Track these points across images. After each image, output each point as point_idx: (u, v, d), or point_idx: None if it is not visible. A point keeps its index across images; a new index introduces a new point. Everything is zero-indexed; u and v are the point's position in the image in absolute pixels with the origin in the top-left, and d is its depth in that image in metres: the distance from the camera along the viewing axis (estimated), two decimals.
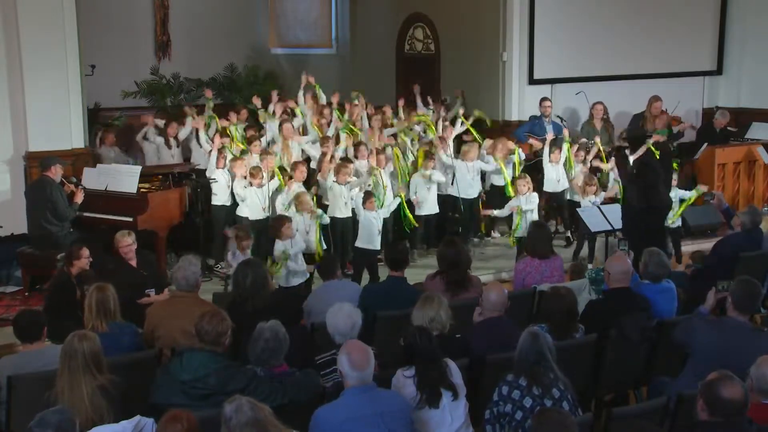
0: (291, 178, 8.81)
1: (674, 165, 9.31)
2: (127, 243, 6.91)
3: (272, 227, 7.81)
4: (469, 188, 9.63)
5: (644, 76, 12.03)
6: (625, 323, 5.35)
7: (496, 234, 10.39)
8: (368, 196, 8.44)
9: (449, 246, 6.40)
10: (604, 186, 9.64)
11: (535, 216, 8.88)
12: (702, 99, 12.92)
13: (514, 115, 11.64)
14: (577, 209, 8.90)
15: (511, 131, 11.09)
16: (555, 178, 9.91)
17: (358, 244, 8.44)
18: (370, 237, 8.37)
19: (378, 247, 8.38)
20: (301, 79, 10.88)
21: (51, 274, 7.41)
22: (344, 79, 14.63)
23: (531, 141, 10.59)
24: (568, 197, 10.00)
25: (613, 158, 9.92)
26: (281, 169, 9.04)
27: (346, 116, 10.29)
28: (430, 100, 11.30)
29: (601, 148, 10.11)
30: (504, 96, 11.72)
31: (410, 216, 9.15)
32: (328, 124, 10.19)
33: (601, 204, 8.94)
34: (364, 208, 8.37)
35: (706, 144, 10.92)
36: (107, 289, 5.31)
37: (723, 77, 12.93)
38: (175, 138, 10.20)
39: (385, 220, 8.96)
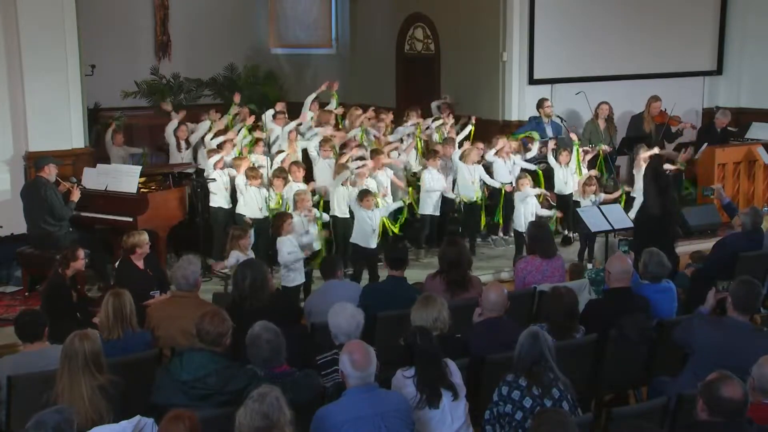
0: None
1: None
2: (148, 242, 6.92)
3: (274, 224, 7.80)
4: (469, 190, 9.55)
5: (644, 76, 12.03)
6: (625, 323, 5.35)
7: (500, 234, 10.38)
8: (365, 194, 8.29)
9: (450, 246, 6.39)
10: (605, 188, 9.65)
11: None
12: (702, 99, 12.92)
13: (514, 115, 11.64)
14: (577, 209, 8.89)
15: (511, 131, 11.08)
16: (563, 179, 9.83)
17: (354, 240, 8.35)
18: (364, 236, 8.27)
19: (373, 246, 8.30)
20: (323, 86, 10.89)
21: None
22: (344, 79, 14.62)
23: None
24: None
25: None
26: (281, 170, 9.02)
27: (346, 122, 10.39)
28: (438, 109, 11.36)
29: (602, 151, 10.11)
30: (504, 96, 11.72)
31: (389, 224, 9.03)
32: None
33: (600, 205, 8.94)
34: (360, 206, 8.24)
35: (706, 144, 10.91)
36: (123, 294, 5.28)
37: (723, 77, 12.92)
38: (186, 141, 10.23)
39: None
